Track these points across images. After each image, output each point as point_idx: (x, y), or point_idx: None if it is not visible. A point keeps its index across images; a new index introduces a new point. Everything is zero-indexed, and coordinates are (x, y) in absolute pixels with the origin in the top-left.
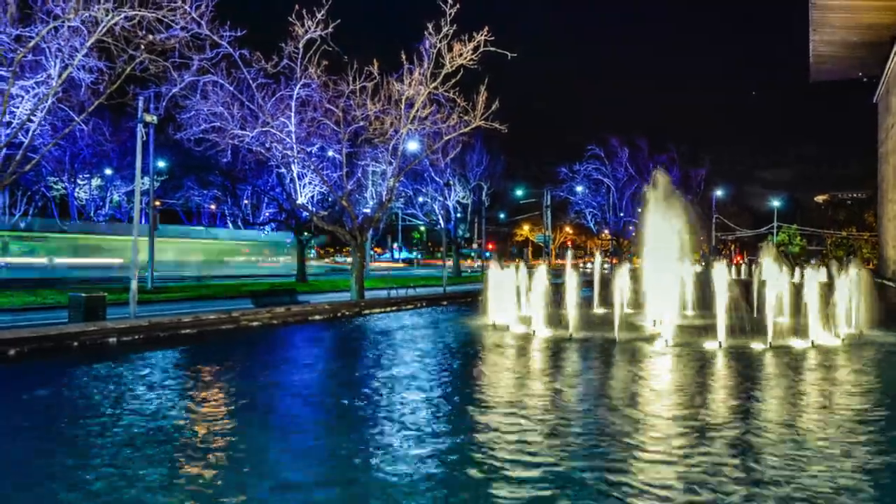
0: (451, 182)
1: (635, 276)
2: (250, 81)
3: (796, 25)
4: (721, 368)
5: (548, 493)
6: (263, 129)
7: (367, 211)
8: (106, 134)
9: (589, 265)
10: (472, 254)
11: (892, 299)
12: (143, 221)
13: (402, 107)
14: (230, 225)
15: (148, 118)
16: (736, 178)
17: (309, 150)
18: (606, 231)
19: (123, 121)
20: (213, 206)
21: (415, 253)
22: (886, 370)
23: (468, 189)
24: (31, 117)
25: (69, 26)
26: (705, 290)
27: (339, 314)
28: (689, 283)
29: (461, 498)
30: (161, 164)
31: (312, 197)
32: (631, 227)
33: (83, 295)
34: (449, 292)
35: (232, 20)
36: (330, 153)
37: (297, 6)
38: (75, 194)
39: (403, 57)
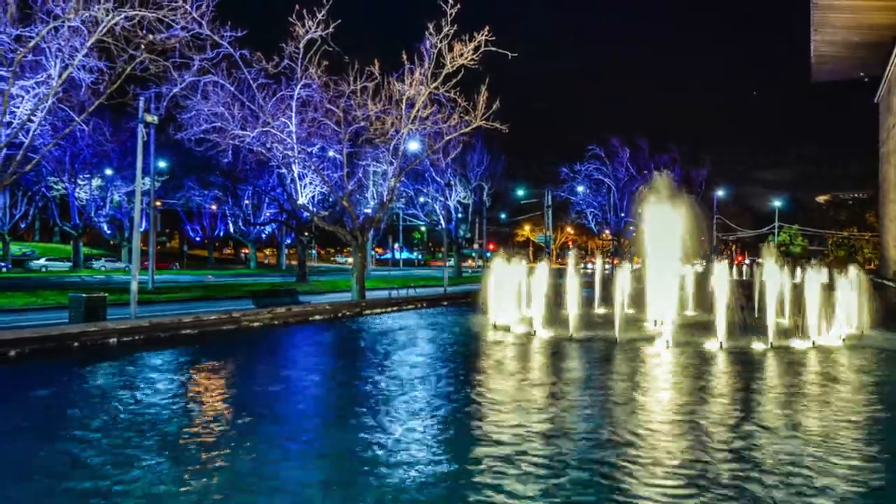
0: (452, 182)
1: (636, 276)
2: (251, 81)
3: (797, 25)
4: (721, 369)
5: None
6: (264, 129)
7: (368, 211)
8: (106, 134)
9: (590, 265)
10: (473, 254)
11: (892, 300)
12: (144, 222)
13: (403, 107)
14: (231, 225)
15: (148, 118)
16: (737, 178)
17: (310, 150)
18: (607, 231)
19: (124, 121)
20: (213, 207)
21: (416, 253)
22: (887, 371)
23: (469, 189)
24: (32, 117)
25: (69, 26)
26: (706, 290)
27: (339, 314)
28: (689, 283)
29: (461, 498)
30: (162, 164)
31: (313, 197)
32: (632, 228)
33: (84, 295)
34: (450, 293)
35: (232, 20)
36: (331, 153)
37: (297, 6)
38: (76, 194)
39: (404, 57)
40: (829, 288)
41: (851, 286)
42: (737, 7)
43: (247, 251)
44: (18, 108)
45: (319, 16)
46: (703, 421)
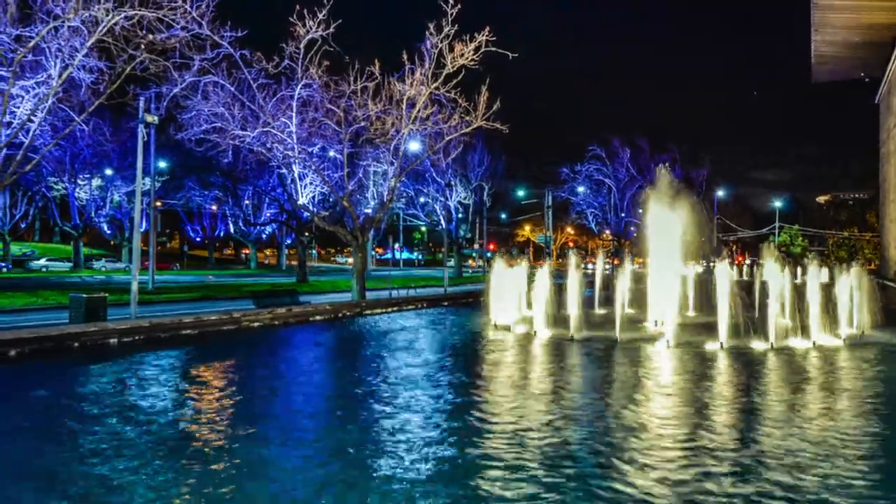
0: (453, 182)
1: (636, 277)
2: (251, 82)
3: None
4: (722, 369)
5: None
6: (264, 129)
7: (369, 211)
8: (106, 134)
9: (590, 265)
10: (474, 254)
11: (893, 300)
12: (144, 222)
13: (404, 107)
14: (231, 226)
15: (149, 118)
16: (736, 178)
17: (310, 150)
18: (608, 231)
19: (124, 121)
20: (214, 207)
21: (416, 253)
22: (888, 371)
23: (469, 189)
24: (32, 117)
25: (69, 26)
26: (707, 290)
27: (340, 315)
28: (690, 283)
29: (461, 499)
30: (162, 164)
31: (314, 197)
32: (632, 228)
33: (84, 296)
34: (450, 293)
35: (232, 20)
36: (331, 153)
37: (298, 6)
38: (76, 195)
39: (405, 57)
40: (830, 288)
41: (852, 286)
42: (737, 7)
43: (247, 251)
44: (18, 108)
45: (320, 16)
46: (703, 422)
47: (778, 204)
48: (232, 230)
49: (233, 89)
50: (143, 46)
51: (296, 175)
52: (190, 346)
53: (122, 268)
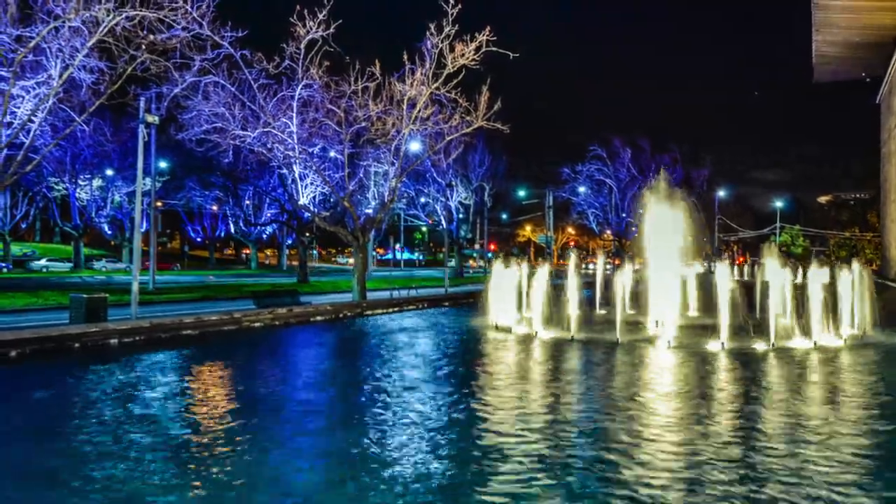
0: (454, 183)
1: (637, 277)
2: (252, 82)
3: (798, 25)
4: (723, 370)
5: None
6: (265, 129)
7: (370, 212)
8: (107, 134)
9: (591, 266)
10: (475, 254)
11: (894, 300)
12: (145, 222)
13: (404, 107)
14: (231, 226)
15: (149, 118)
16: (737, 178)
17: (311, 150)
18: (609, 232)
19: (124, 121)
20: (214, 207)
21: (417, 254)
22: (889, 371)
23: (470, 190)
24: (32, 118)
25: (70, 26)
26: (707, 290)
27: (340, 315)
28: (691, 283)
29: (462, 497)
30: (162, 164)
31: (314, 198)
32: (633, 228)
33: (84, 296)
34: (451, 293)
35: (233, 20)
36: (332, 154)
37: (298, 7)
38: (76, 195)
39: (405, 57)
40: (831, 288)
41: (853, 286)
42: (737, 7)
43: (248, 252)
44: (19, 108)
45: (320, 16)
46: (704, 423)
47: (779, 204)
48: (232, 230)
49: (233, 89)
50: (143, 47)
51: (296, 175)
52: (191, 347)
53: (123, 268)
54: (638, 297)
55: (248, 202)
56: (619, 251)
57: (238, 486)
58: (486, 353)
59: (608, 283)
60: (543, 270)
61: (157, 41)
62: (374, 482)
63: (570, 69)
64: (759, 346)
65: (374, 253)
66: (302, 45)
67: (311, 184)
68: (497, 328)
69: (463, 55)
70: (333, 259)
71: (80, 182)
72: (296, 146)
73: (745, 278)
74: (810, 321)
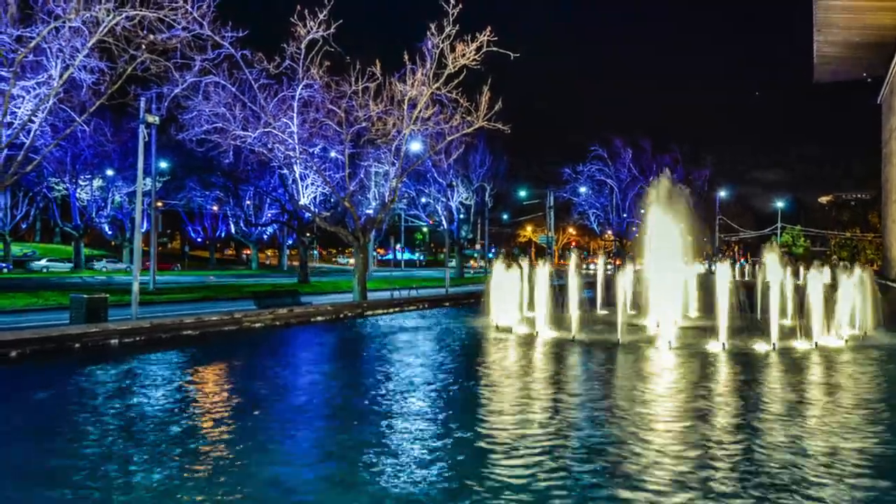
0: (454, 183)
1: (638, 278)
2: (252, 82)
3: (798, 25)
4: (724, 371)
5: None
6: (265, 129)
7: (370, 212)
8: (107, 134)
9: (592, 266)
10: (476, 254)
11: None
12: (145, 223)
13: (405, 107)
14: (232, 226)
15: (150, 119)
16: (738, 178)
17: (311, 150)
18: (609, 232)
19: (125, 121)
20: (215, 207)
21: (418, 254)
22: (889, 372)
23: (471, 190)
24: (33, 118)
25: (70, 26)
26: (708, 291)
27: (341, 315)
28: (692, 284)
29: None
30: (163, 164)
31: (315, 198)
32: (634, 228)
33: (85, 296)
34: (451, 293)
35: (233, 21)
36: (332, 154)
37: (298, 7)
38: (77, 195)
39: (406, 57)
40: (832, 289)
41: (854, 287)
42: (737, 6)
43: (248, 252)
44: (19, 108)
45: (321, 16)
46: (704, 424)
47: (780, 204)
48: (233, 231)
49: (234, 90)
50: (144, 47)
51: (297, 175)
52: (191, 347)
53: (123, 268)
54: (639, 298)
55: (248, 202)
56: (620, 251)
57: (239, 487)
58: (487, 354)
59: (609, 284)
60: (544, 271)
61: (158, 41)
62: (375, 482)
63: (570, 69)
64: (760, 346)
65: (375, 253)
66: (302, 45)
67: (312, 184)
68: (498, 328)
69: (464, 55)
70: (334, 259)
71: (81, 182)
72: (296, 146)
73: (746, 278)
74: (811, 322)
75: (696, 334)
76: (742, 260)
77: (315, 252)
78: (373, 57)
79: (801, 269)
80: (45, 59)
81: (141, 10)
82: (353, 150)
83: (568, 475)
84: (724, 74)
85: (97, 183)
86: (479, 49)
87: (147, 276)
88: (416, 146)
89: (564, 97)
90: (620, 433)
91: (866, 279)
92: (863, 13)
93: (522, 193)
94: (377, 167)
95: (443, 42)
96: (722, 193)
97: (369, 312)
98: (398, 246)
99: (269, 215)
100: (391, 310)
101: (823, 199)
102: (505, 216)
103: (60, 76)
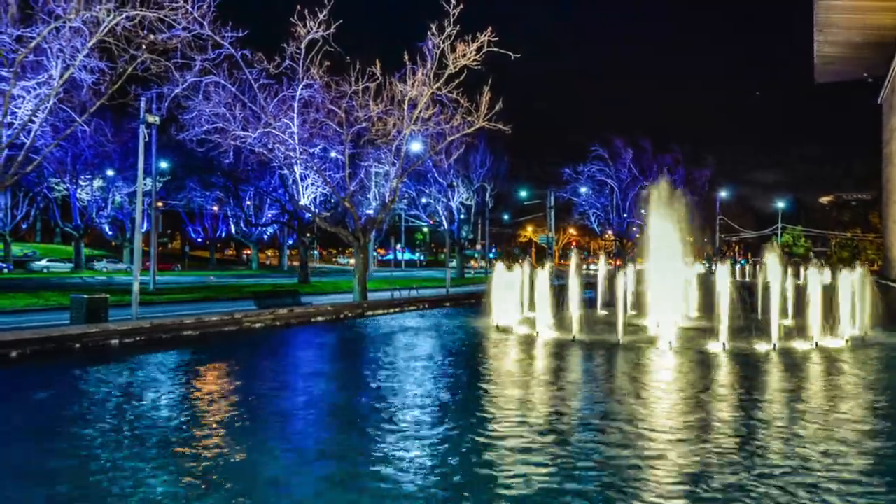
0: (455, 183)
1: (639, 278)
2: (252, 82)
3: (798, 25)
4: (725, 371)
5: None
6: (266, 129)
7: (370, 212)
8: (108, 135)
9: (592, 266)
10: (476, 255)
11: None
12: (146, 223)
13: (405, 107)
14: (232, 226)
15: (150, 119)
16: (738, 178)
17: (311, 150)
18: (610, 232)
19: (125, 121)
20: (215, 208)
21: (418, 254)
22: (890, 372)
23: (472, 190)
24: (33, 118)
25: (70, 26)
26: (709, 291)
27: (341, 316)
28: (692, 284)
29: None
30: (163, 164)
31: (315, 198)
32: (635, 229)
33: (85, 297)
34: (452, 294)
35: (234, 21)
36: (333, 154)
37: (299, 7)
38: (77, 195)
39: (406, 57)
40: (833, 289)
41: (855, 287)
42: (737, 6)
43: (248, 252)
44: (20, 108)
45: (321, 16)
46: (705, 425)
47: (780, 204)
48: (233, 231)
49: (234, 90)
50: (144, 47)
51: (297, 176)
52: (191, 348)
53: (124, 268)
54: (639, 298)
55: (248, 203)
56: (621, 252)
57: (239, 487)
58: (488, 355)
59: (610, 284)
60: (545, 271)
61: (158, 41)
62: (376, 483)
63: (570, 69)
64: (761, 346)
65: (375, 253)
66: (302, 45)
67: (312, 184)
68: (499, 329)
69: (464, 55)
70: (334, 260)
71: (81, 182)
72: (297, 146)
73: (747, 278)
74: (812, 322)
75: (697, 334)
76: (742, 260)
77: (315, 252)
78: (373, 57)
79: (801, 270)
80: (45, 59)
81: (141, 10)
82: (353, 150)
83: (569, 476)
84: (724, 74)
85: (97, 183)
86: (479, 49)
87: (147, 277)
88: (416, 146)
89: (564, 97)
90: (620, 433)
91: (866, 279)
92: (864, 13)
93: (523, 193)
94: (377, 167)
95: (443, 42)
96: (722, 194)
97: (370, 313)
98: (398, 246)
99: (270, 215)
100: (391, 310)
101: (824, 200)
102: (506, 216)
103: (61, 76)
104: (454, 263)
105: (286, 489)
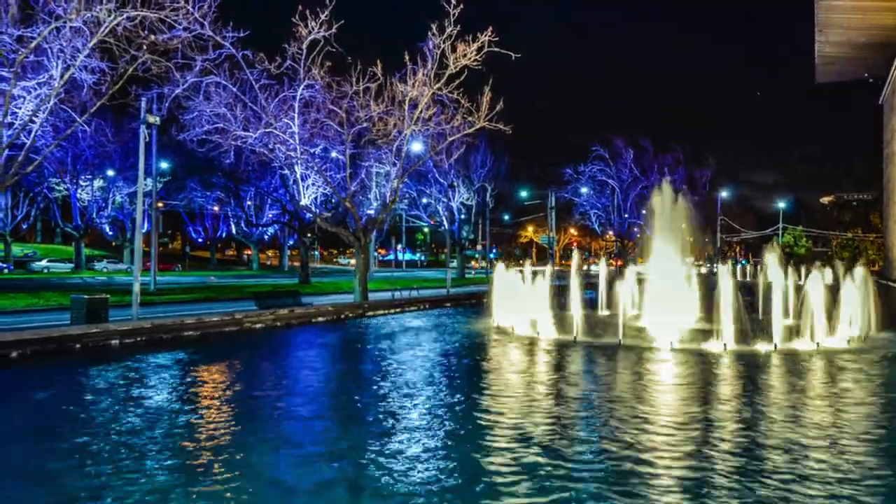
0: (455, 183)
1: (640, 279)
2: (253, 82)
3: (799, 25)
4: (725, 372)
5: None
6: (267, 130)
7: (371, 212)
8: (108, 135)
9: (592, 267)
10: (477, 255)
11: None
12: (146, 223)
13: (406, 108)
14: (233, 227)
15: (151, 119)
16: (739, 178)
17: (312, 151)
18: (611, 232)
19: (126, 122)
20: (216, 208)
21: (419, 254)
22: (891, 373)
23: (472, 190)
24: (34, 118)
25: (71, 27)
26: (710, 292)
27: (342, 316)
28: (693, 285)
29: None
30: (164, 165)
31: (316, 198)
32: (636, 229)
33: (85, 297)
34: (453, 294)
35: (235, 21)
36: (333, 154)
37: (300, 7)
38: (77, 195)
39: (407, 57)
40: (834, 290)
41: (856, 288)
42: (738, 6)
43: (249, 252)
44: (20, 108)
45: (322, 16)
46: (706, 426)
47: (781, 205)
48: (234, 231)
49: (235, 90)
50: (145, 47)
51: (298, 176)
52: (192, 348)
53: (124, 269)
54: (640, 299)
55: (249, 203)
56: (622, 252)
57: (240, 487)
58: (489, 356)
59: (611, 285)
60: (546, 272)
61: (159, 41)
62: (376, 483)
63: (570, 69)
64: (762, 347)
65: (376, 254)
66: (304, 46)
67: (313, 184)
68: (499, 330)
69: (465, 55)
70: (335, 260)
71: (82, 183)
72: (297, 147)
73: (748, 279)
74: (813, 323)
75: (698, 335)
76: (743, 260)
77: (316, 253)
78: (374, 57)
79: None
80: (45, 60)
81: (142, 11)
82: (354, 150)
83: (569, 478)
84: (725, 74)
85: (98, 183)
86: (480, 49)
87: (148, 277)
88: (417, 146)
89: (564, 97)
90: (619, 433)
91: (867, 280)
92: (865, 13)
93: (524, 194)
94: (378, 167)
95: (444, 42)
96: (723, 194)
97: (370, 313)
98: (399, 246)
99: (270, 216)
100: (392, 310)
101: (825, 200)
102: (506, 216)
103: (61, 76)
104: (455, 264)
105: (288, 489)
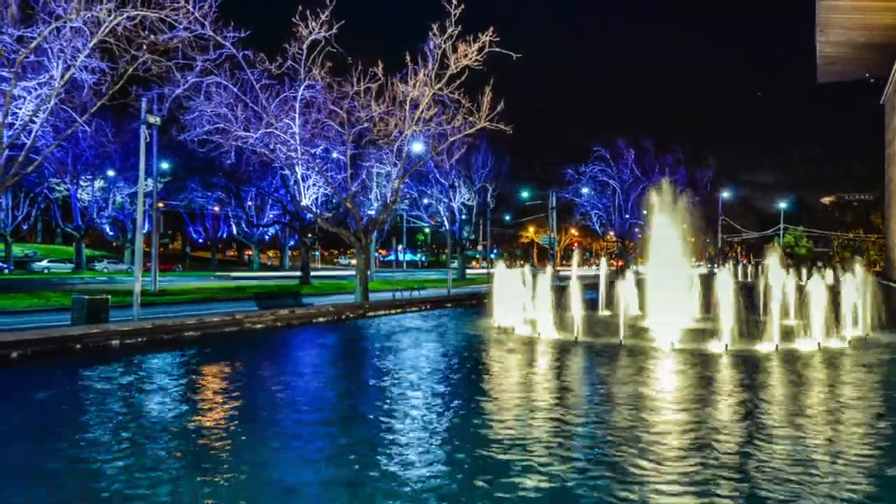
0: (456, 184)
1: (640, 279)
2: (254, 82)
3: (799, 25)
4: (726, 372)
5: None
6: (267, 130)
7: (372, 213)
8: (108, 135)
9: (593, 267)
10: (478, 255)
11: None
12: (147, 223)
13: (407, 108)
14: (234, 227)
15: (151, 119)
16: (739, 178)
17: (313, 151)
18: (612, 233)
19: (126, 122)
20: (216, 208)
21: (419, 255)
22: (891, 373)
23: (473, 191)
24: (34, 118)
25: (71, 27)
26: (710, 292)
27: (343, 316)
28: (694, 285)
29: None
30: (164, 165)
31: (317, 199)
32: (637, 229)
33: (86, 297)
34: (453, 294)
35: (235, 21)
36: (334, 155)
37: (300, 7)
38: (78, 196)
39: (408, 58)
40: (835, 290)
41: (857, 288)
42: (738, 6)
43: (250, 253)
44: (20, 109)
45: (323, 16)
46: (707, 427)
47: (782, 205)
48: (235, 231)
49: (235, 90)
50: (145, 47)
51: (299, 176)
52: (192, 348)
53: (125, 269)
54: (641, 299)
55: (250, 203)
56: (623, 252)
57: (241, 488)
58: (490, 356)
59: (612, 285)
60: (547, 272)
61: (159, 41)
62: (377, 484)
63: (570, 69)
64: (763, 347)
65: (377, 254)
66: (304, 46)
67: (314, 185)
68: (500, 330)
69: (466, 55)
70: (336, 260)
71: (82, 183)
72: (298, 147)
73: (749, 279)
74: (814, 323)
75: (699, 335)
76: (745, 261)
77: (317, 253)
78: (375, 57)
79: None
80: (46, 60)
81: (142, 11)
82: (354, 150)
83: (569, 478)
84: (725, 74)
85: (98, 184)
86: (480, 49)
87: (148, 277)
88: (418, 147)
89: (564, 97)
90: (620, 433)
91: (868, 280)
92: (865, 13)
93: (525, 194)
94: (379, 168)
95: (444, 42)
96: (724, 194)
97: (371, 313)
98: (400, 247)
99: (271, 216)
100: (393, 311)
101: (826, 200)
102: (507, 217)
103: (62, 76)
104: (456, 264)
105: (288, 489)
